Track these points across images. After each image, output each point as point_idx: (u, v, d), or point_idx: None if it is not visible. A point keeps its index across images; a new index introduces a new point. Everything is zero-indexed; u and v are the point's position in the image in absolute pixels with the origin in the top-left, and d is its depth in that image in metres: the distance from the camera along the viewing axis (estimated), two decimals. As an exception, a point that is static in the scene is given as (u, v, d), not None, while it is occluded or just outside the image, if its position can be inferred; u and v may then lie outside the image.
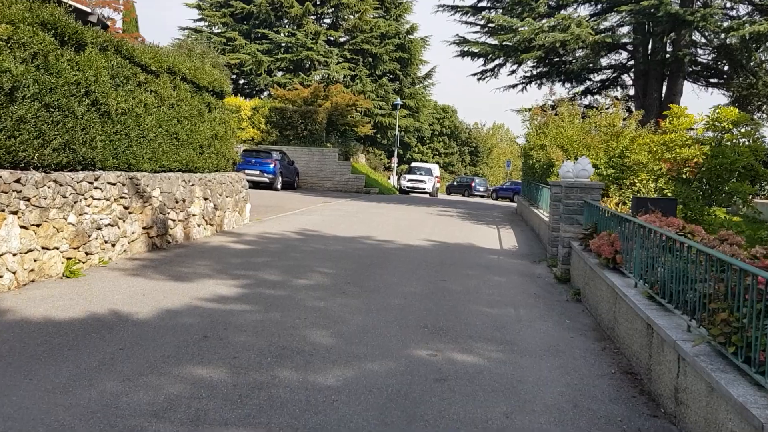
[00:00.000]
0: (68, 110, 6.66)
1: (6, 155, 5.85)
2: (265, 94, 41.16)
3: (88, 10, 9.90)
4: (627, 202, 12.45)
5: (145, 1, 75.74)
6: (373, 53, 41.82)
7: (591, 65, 24.56)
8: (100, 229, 7.31)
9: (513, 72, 25.73)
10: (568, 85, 25.93)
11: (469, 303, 6.84)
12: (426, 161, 53.12)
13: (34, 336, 4.67)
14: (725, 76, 24.32)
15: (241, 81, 42.69)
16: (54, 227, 6.48)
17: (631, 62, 24.65)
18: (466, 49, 24.95)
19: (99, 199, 7.33)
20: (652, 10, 20.01)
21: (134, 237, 8.12)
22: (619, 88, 26.21)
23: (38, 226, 6.23)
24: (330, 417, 3.65)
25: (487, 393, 4.20)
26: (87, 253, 7.07)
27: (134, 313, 5.45)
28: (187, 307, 5.77)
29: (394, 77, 43.81)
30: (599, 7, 23.78)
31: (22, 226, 5.98)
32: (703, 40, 23.40)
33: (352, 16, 42.42)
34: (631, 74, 25.02)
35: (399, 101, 40.22)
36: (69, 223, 6.73)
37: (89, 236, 7.08)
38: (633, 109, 21.23)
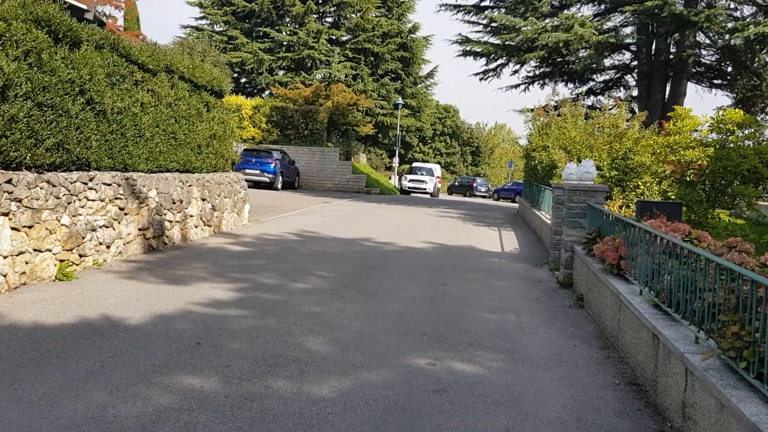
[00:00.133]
0: (62, 109, 6.54)
1: (-3, 155, 5.73)
2: (267, 93, 41.04)
3: (84, 7, 9.76)
4: (630, 204, 12.31)
5: (147, 0, 75.70)
6: (375, 52, 41.68)
7: (594, 66, 24.38)
8: (94, 230, 7.18)
9: (515, 72, 25.58)
10: (571, 85, 25.78)
11: (470, 308, 6.70)
12: (427, 161, 53.00)
13: (22, 343, 4.54)
14: (729, 78, 24.15)
15: (243, 80, 42.60)
16: (46, 229, 6.35)
17: (635, 63, 24.48)
18: (468, 48, 24.78)
19: (93, 200, 7.19)
20: (656, 11, 19.84)
21: (130, 238, 7.99)
22: (622, 88, 26.05)
23: (30, 227, 6.10)
24: (324, 431, 3.51)
25: (488, 405, 4.06)
26: (81, 255, 6.94)
27: (126, 318, 5.32)
28: (181, 312, 5.64)
29: (396, 77, 43.67)
30: (603, 7, 23.61)
31: (13, 228, 5.85)
32: (707, 41, 23.23)
33: (354, 15, 42.30)
34: (635, 75, 24.85)
35: (401, 101, 40.08)
36: (62, 225, 6.60)
37: (83, 238, 6.95)
38: (636, 110, 21.10)
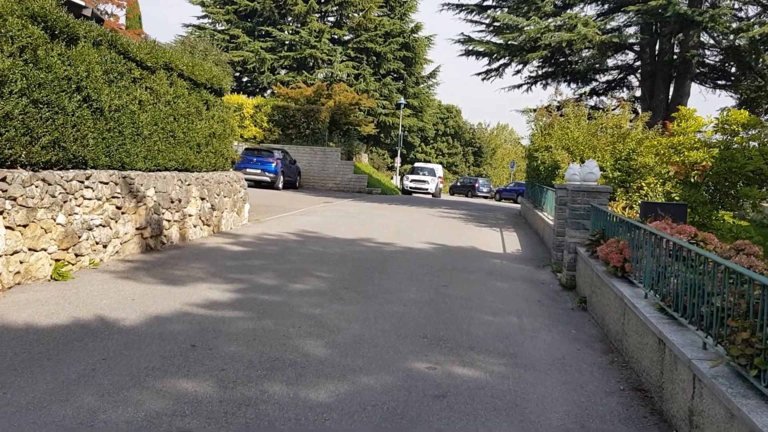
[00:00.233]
0: (58, 106, 6.44)
1: (-9, 153, 5.63)
2: (268, 92, 40.96)
3: (82, 3, 9.66)
4: (634, 206, 12.18)
5: (149, -2, 75.60)
6: (377, 52, 41.58)
7: (597, 66, 24.24)
8: (90, 229, 7.08)
9: (518, 72, 25.44)
10: (573, 85, 25.61)
11: (471, 311, 6.59)
12: (429, 161, 52.89)
13: (14, 344, 4.44)
14: (733, 78, 23.99)
15: (245, 79, 42.52)
16: (42, 228, 6.25)
17: (638, 63, 24.33)
18: (470, 47, 24.65)
19: (90, 199, 7.10)
20: (660, 11, 19.69)
21: (127, 238, 7.89)
22: (625, 89, 25.91)
23: (25, 226, 6.00)
24: (320, 438, 3.41)
25: (489, 412, 3.95)
26: (77, 255, 6.84)
27: (121, 320, 5.22)
28: (176, 314, 5.54)
29: (398, 76, 43.57)
30: (606, 6, 23.45)
31: (7, 227, 5.75)
32: (711, 42, 23.06)
33: (356, 15, 42.20)
34: (638, 75, 24.69)
35: (403, 101, 39.96)
36: (58, 224, 6.50)
37: (79, 237, 6.85)
38: (639, 110, 20.95)
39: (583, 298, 7.43)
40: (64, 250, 6.60)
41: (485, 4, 25.00)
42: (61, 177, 6.56)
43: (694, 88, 26.58)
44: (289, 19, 42.26)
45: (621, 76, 25.80)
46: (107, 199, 7.42)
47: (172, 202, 9.01)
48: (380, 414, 3.77)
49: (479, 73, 25.96)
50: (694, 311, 4.16)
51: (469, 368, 4.74)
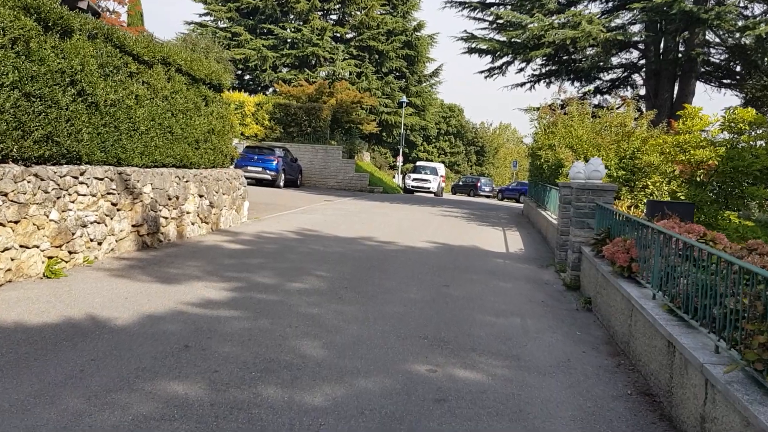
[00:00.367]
0: (51, 100, 6.29)
1: (-20, 147, 5.49)
2: (270, 90, 40.83)
3: (78, -5, 9.55)
4: (639, 205, 12.01)
5: (152, -4, 75.48)
6: (380, 50, 41.42)
7: (601, 64, 24.03)
8: (85, 226, 6.93)
9: (521, 70, 25.25)
10: (577, 84, 25.42)
11: (473, 311, 6.44)
12: (431, 160, 52.67)
13: (0, 344, 4.29)
14: (738, 77, 23.78)
15: (246, 77, 42.41)
16: (34, 224, 6.10)
17: (643, 61, 24.12)
18: (473, 45, 24.48)
19: (84, 195, 6.95)
20: (665, 8, 19.49)
21: (123, 235, 7.75)
22: (629, 87, 25.67)
23: (16, 222, 5.85)
24: (315, 445, 3.26)
25: (491, 417, 3.79)
26: (70, 252, 6.69)
27: (113, 319, 5.07)
28: (170, 313, 5.39)
29: (401, 75, 43.40)
30: (611, 4, 23.26)
31: (-3, 223, 5.61)
32: (717, 40, 22.85)
33: (358, 13, 42.04)
34: (643, 74, 24.48)
35: (405, 99, 39.80)
36: (51, 220, 6.35)
37: (73, 234, 6.70)
38: (644, 109, 20.74)
39: (587, 299, 7.26)
40: (57, 247, 6.45)
41: (488, 1, 24.83)
42: (55, 172, 6.42)
43: (699, 86, 26.37)
44: (292, 16, 42.12)
45: (625, 74, 25.59)
46: (102, 195, 7.28)
47: (170, 199, 8.86)
48: (378, 419, 3.62)
49: (482, 71, 25.87)
50: (706, 313, 4.00)
51: (471, 371, 4.58)
